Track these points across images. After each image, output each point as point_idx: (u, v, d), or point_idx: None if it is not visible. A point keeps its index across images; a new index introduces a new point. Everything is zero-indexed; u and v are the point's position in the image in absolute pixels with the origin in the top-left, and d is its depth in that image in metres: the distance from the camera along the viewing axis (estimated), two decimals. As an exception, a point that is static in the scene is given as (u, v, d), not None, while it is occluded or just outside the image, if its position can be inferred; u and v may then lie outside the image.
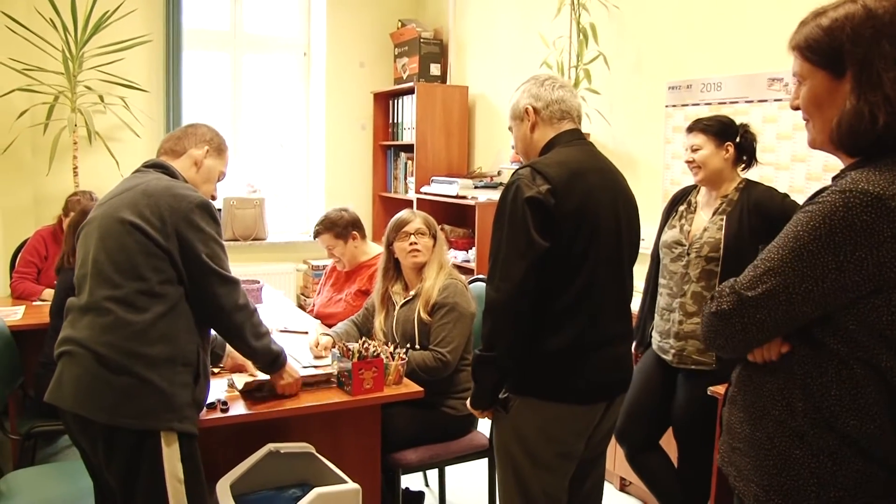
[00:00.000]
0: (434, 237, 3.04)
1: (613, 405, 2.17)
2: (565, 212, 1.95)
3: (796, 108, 1.42)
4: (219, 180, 2.39)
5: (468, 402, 2.19)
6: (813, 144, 1.41)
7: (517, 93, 2.21)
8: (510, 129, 2.26)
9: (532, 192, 1.93)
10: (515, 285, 1.94)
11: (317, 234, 3.69)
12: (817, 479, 1.31)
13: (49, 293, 3.80)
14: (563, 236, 1.95)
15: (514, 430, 2.10)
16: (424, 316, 2.89)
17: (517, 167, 2.04)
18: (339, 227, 3.63)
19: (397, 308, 3.03)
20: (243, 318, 2.15)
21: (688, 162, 2.75)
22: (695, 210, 2.77)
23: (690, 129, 2.76)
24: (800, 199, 2.91)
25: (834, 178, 1.34)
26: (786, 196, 2.62)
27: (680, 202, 2.86)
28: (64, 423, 2.07)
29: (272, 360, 2.33)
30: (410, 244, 2.98)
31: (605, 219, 2.02)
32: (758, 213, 2.57)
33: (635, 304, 3.06)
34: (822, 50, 1.32)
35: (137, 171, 2.24)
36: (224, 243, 2.16)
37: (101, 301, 1.99)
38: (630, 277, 2.19)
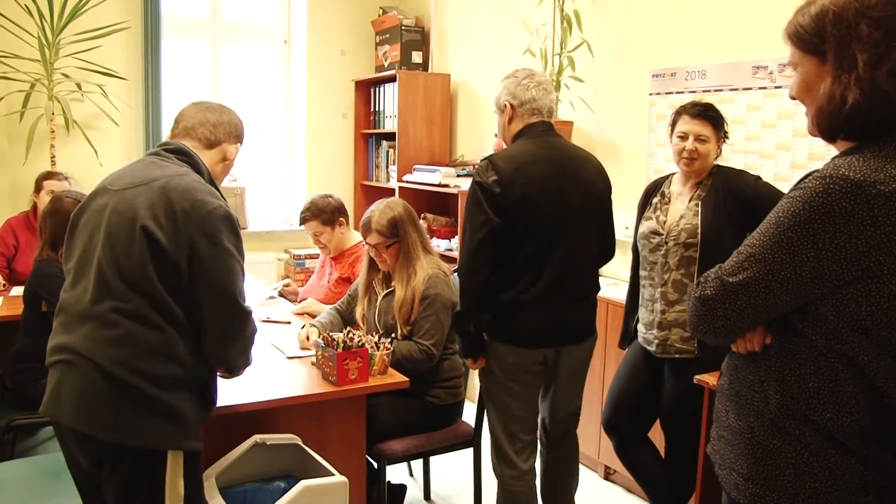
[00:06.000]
0: (398, 237, 2.92)
1: (563, 353, 2.59)
2: (509, 197, 2.43)
3: (794, 98, 1.40)
4: None
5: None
6: (811, 132, 1.40)
7: (501, 86, 2.64)
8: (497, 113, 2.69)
9: (482, 180, 2.45)
10: (473, 251, 2.44)
11: (303, 221, 3.63)
12: (794, 469, 1.31)
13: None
14: (508, 216, 2.44)
15: (486, 364, 2.63)
16: (400, 321, 2.87)
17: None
18: (326, 213, 3.59)
19: (379, 299, 3.02)
20: (237, 351, 1.97)
21: (689, 151, 2.61)
22: (669, 200, 2.75)
23: (696, 116, 2.62)
24: (784, 187, 2.94)
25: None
26: (758, 178, 2.61)
27: (653, 194, 2.83)
28: (59, 436, 1.92)
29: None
30: (374, 254, 2.97)
31: (548, 202, 2.47)
32: (733, 196, 2.56)
33: (615, 292, 3.07)
34: (808, 36, 1.32)
35: (156, 153, 2.02)
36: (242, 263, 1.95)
37: (106, 312, 1.81)
38: (583, 250, 2.56)
